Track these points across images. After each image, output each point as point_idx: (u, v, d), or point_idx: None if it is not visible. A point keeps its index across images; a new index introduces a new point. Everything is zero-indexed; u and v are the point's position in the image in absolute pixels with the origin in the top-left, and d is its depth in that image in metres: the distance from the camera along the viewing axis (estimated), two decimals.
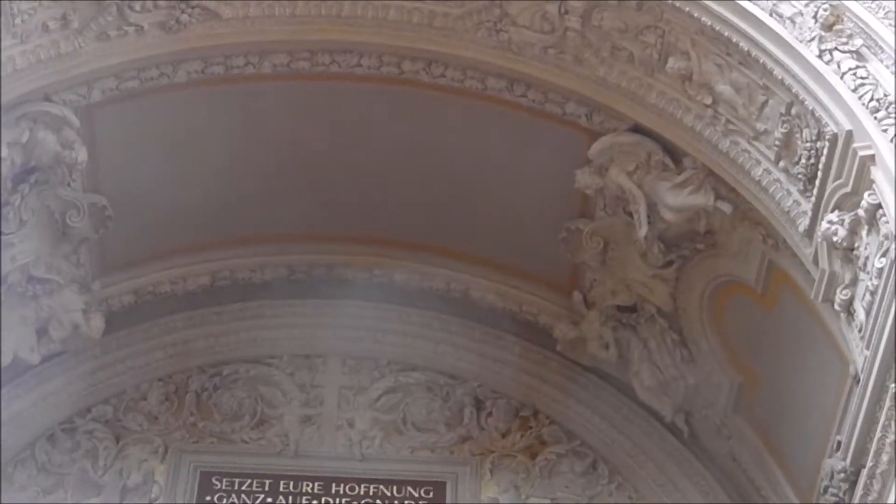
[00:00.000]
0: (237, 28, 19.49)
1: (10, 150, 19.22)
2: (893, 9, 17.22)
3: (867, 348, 15.95)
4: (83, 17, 18.67)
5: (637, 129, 19.24)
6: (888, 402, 15.08)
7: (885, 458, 15.23)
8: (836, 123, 16.38)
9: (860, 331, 16.38)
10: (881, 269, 15.67)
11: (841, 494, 17.13)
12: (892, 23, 17.01)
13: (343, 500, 22.02)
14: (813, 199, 17.05)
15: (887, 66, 16.68)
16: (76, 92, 19.34)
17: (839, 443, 17.17)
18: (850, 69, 16.73)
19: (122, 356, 22.97)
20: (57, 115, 19.37)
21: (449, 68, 19.79)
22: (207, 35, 19.39)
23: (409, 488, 21.95)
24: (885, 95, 16.41)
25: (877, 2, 17.20)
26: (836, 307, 16.95)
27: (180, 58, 19.65)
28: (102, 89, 19.45)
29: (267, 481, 22.33)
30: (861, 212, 16.24)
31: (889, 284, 15.36)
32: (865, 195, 16.14)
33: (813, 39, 16.92)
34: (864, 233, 16.30)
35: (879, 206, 15.91)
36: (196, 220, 21.97)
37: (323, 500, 22.08)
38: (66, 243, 21.05)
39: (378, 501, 21.94)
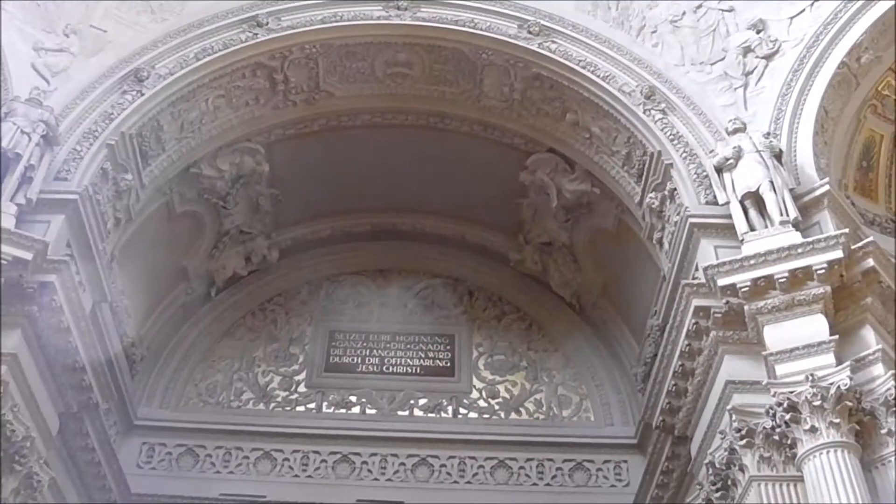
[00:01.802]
0: (344, 100, 19.76)
1: (230, 166, 19.70)
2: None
3: (669, 262, 17.21)
4: (266, 97, 19.28)
5: (551, 150, 19.85)
6: (679, 291, 16.03)
7: (679, 317, 15.93)
8: (653, 147, 17.75)
9: (665, 254, 17.62)
10: (676, 222, 16.96)
11: (655, 339, 17.96)
12: (675, 94, 18.04)
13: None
14: (642, 185, 18.26)
15: (678, 118, 17.84)
16: (262, 136, 19.94)
17: (655, 311, 18.27)
18: (656, 119, 17.85)
19: (284, 271, 22.60)
20: (252, 147, 19.93)
21: (454, 121, 20.15)
22: (328, 104, 19.88)
23: (436, 336, 21.78)
24: (678, 133, 17.45)
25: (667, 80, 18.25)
26: (654, 242, 18.22)
27: (313, 116, 20.08)
28: (275, 134, 20.02)
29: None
30: (666, 192, 17.64)
31: (681, 229, 16.51)
32: (668, 184, 17.52)
33: (640, 104, 17.91)
34: (667, 203, 17.59)
35: (675, 189, 17.23)
36: (328, 198, 21.77)
37: None
38: (257, 213, 21.18)
39: (420, 345, 21.66)
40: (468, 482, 19.47)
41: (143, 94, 17.54)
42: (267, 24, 18.48)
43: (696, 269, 15.80)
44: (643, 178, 17.94)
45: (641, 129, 17.81)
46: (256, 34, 18.43)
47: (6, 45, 16.86)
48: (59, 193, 16.05)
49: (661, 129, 17.62)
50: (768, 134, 16.81)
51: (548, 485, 19.41)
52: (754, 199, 15.86)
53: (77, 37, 17.96)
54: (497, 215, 21.49)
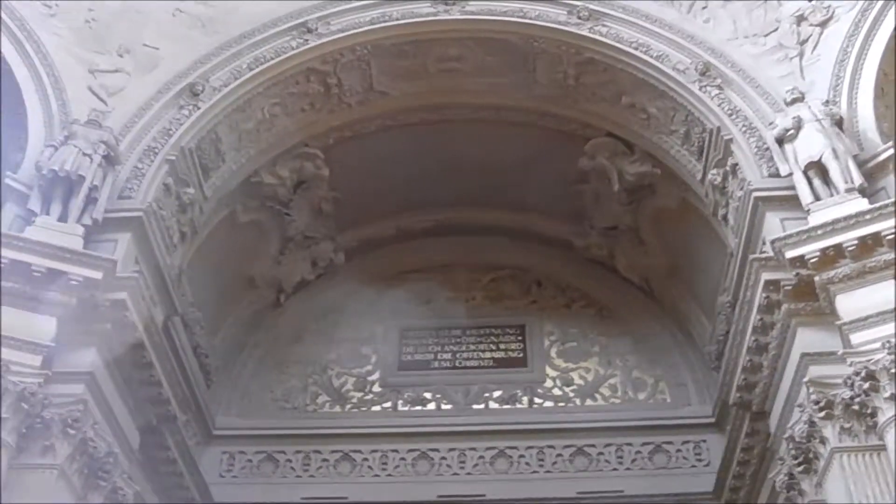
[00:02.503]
0: (398, 99, 19.80)
1: (290, 173, 19.84)
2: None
3: (735, 238, 17.05)
4: (321, 101, 19.41)
5: (609, 134, 19.67)
6: (747, 266, 15.84)
7: (749, 293, 15.70)
8: (712, 123, 17.52)
9: (731, 229, 17.50)
10: (739, 197, 16.79)
11: (727, 316, 17.82)
12: (730, 68, 17.80)
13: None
14: (703, 162, 18.08)
15: (735, 92, 17.61)
16: (320, 140, 20.07)
17: (725, 288, 18.10)
18: (712, 95, 17.63)
19: (351, 273, 22.53)
20: (311, 152, 20.07)
21: (509, 112, 20.11)
22: (382, 104, 19.96)
23: (506, 328, 21.74)
24: (736, 107, 17.30)
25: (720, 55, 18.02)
26: (719, 218, 18.10)
27: (369, 117, 20.13)
28: (332, 137, 20.12)
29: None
30: (727, 168, 17.42)
31: (746, 204, 16.30)
32: (729, 159, 17.30)
33: (695, 81, 17.74)
34: (730, 178, 17.41)
35: (736, 164, 17.04)
36: (389, 197, 21.85)
37: None
38: (320, 217, 21.33)
39: (491, 337, 21.69)
40: (548, 471, 19.50)
41: (199, 108, 17.71)
42: (317, 29, 18.49)
43: (764, 243, 15.62)
44: (704, 155, 17.76)
45: (698, 107, 17.59)
46: (307, 40, 18.45)
47: (62, 70, 17.30)
48: (124, 211, 16.29)
49: (719, 105, 17.42)
50: (827, 102, 16.49)
51: (628, 469, 19.40)
52: (818, 169, 15.60)
53: (131, 56, 18.18)
54: (559, 203, 21.38)
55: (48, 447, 14.09)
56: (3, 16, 17.17)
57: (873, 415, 13.63)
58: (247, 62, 18.28)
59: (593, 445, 19.65)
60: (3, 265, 14.52)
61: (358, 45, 18.73)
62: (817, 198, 15.37)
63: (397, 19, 18.65)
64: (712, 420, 19.48)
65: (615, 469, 19.38)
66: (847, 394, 13.86)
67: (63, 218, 15.59)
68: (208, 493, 18.97)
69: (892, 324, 13.69)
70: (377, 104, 19.78)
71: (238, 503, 19.16)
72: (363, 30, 18.63)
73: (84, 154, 16.07)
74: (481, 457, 19.72)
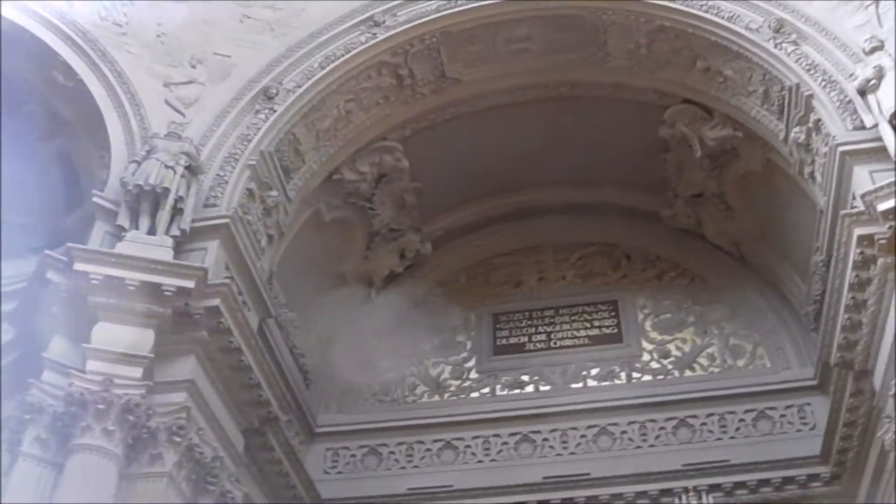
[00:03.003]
0: (471, 84, 19.91)
1: (370, 167, 20.04)
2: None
3: (824, 195, 16.81)
4: (394, 93, 19.58)
5: (686, 100, 19.53)
6: (839, 223, 15.60)
7: (842, 249, 15.49)
8: (790, 80, 17.24)
9: (820, 187, 17.23)
10: (825, 153, 16.53)
11: (822, 276, 17.65)
12: (804, 23, 17.51)
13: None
14: (784, 121, 17.77)
15: (811, 46, 17.30)
16: (397, 132, 20.21)
17: (817, 247, 17.88)
18: (788, 51, 17.35)
19: (439, 262, 22.87)
20: (389, 145, 20.23)
21: (583, 87, 20.09)
22: (456, 90, 20.03)
23: (599, 304, 21.74)
24: (813, 62, 16.99)
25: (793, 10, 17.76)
26: (806, 176, 17.80)
27: (443, 105, 20.27)
28: (409, 128, 20.27)
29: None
30: (810, 124, 17.08)
31: (832, 159, 16.06)
32: (811, 115, 16.99)
33: (770, 38, 17.48)
34: (813, 135, 17.10)
35: (819, 119, 16.75)
36: (471, 183, 21.95)
37: None
38: (404, 208, 21.47)
39: (584, 315, 21.72)
40: (651, 445, 19.40)
41: (275, 111, 17.94)
42: (384, 21, 18.59)
43: (854, 198, 15.33)
44: (784, 113, 17.47)
45: (775, 65, 17.33)
46: (375, 34, 18.54)
47: (138, 86, 17.72)
48: (211, 220, 16.62)
49: (796, 61, 17.13)
50: None
51: (732, 438, 19.22)
52: None
53: (203, 66, 18.54)
54: (641, 174, 21.20)
55: (156, 456, 14.47)
56: (76, 38, 17.68)
57: None
58: (318, 61, 18.41)
59: (695, 416, 19.49)
60: (97, 282, 15.01)
61: (426, 35, 18.78)
62: None
63: (463, 4, 18.62)
64: (815, 382, 19.13)
65: (719, 439, 19.25)
66: None
67: (152, 231, 15.99)
68: (315, 490, 19.25)
69: None
70: (450, 91, 19.82)
71: (345, 498, 19.56)
72: (430, 18, 18.63)
73: (167, 166, 16.44)
74: (583, 435, 19.69)
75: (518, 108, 20.27)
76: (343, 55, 18.46)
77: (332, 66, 18.42)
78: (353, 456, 20.31)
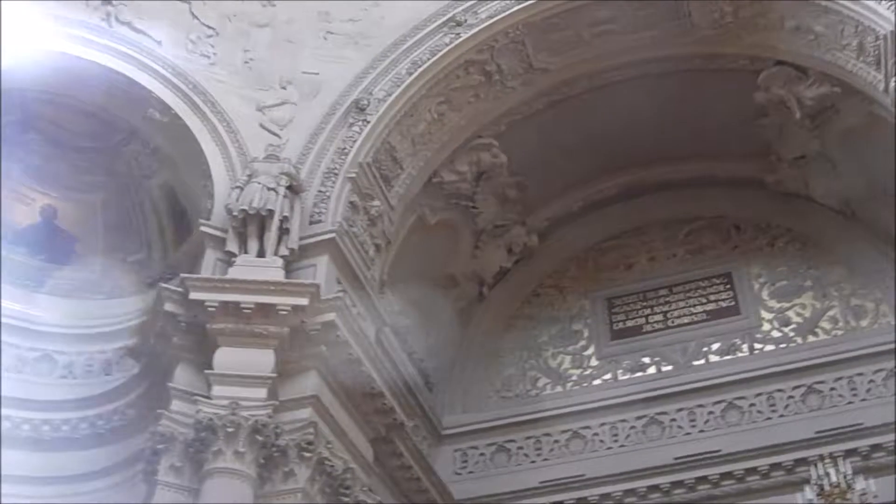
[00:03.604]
0: (559, 72, 19.80)
1: (469, 166, 20.17)
2: None
3: None
4: (484, 90, 19.55)
5: (779, 63, 19.23)
6: None
7: None
8: (884, 28, 16.59)
9: None
10: None
11: None
12: None
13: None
14: (883, 71, 17.11)
15: None
16: (491, 128, 20.22)
17: None
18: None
19: (547, 253, 22.82)
20: (485, 142, 20.25)
21: (672, 62, 19.81)
22: (545, 80, 19.91)
23: (713, 278, 21.54)
24: None
25: None
26: None
27: (534, 96, 20.22)
28: (503, 123, 20.26)
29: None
30: None
31: None
32: None
33: None
34: None
35: None
36: (570, 171, 21.96)
37: None
38: (507, 203, 21.56)
39: (699, 291, 21.53)
40: (781, 416, 19.13)
41: (368, 122, 18.13)
42: (466, 21, 18.59)
43: None
44: (881, 63, 16.80)
45: (866, 14, 16.79)
46: (459, 34, 18.56)
47: (232, 113, 18.18)
48: (317, 236, 16.93)
49: (888, 8, 16.54)
50: None
51: (864, 400, 18.79)
52: None
53: (293, 86, 18.85)
54: (741, 143, 20.94)
55: (288, 473, 14.72)
56: (167, 74, 18.16)
57: None
58: (405, 68, 18.54)
59: (823, 382, 19.16)
60: (213, 308, 15.42)
61: (509, 28, 18.74)
62: None
63: None
64: None
65: (850, 402, 18.87)
66: None
67: (261, 253, 16.36)
68: (447, 492, 19.42)
69: None
70: (540, 82, 19.76)
71: (478, 497, 19.70)
72: (511, 11, 18.55)
73: (268, 189, 16.77)
74: (711, 412, 19.54)
75: (609, 90, 20.12)
76: (429, 59, 18.52)
77: (419, 70, 18.55)
78: (481, 455, 20.48)
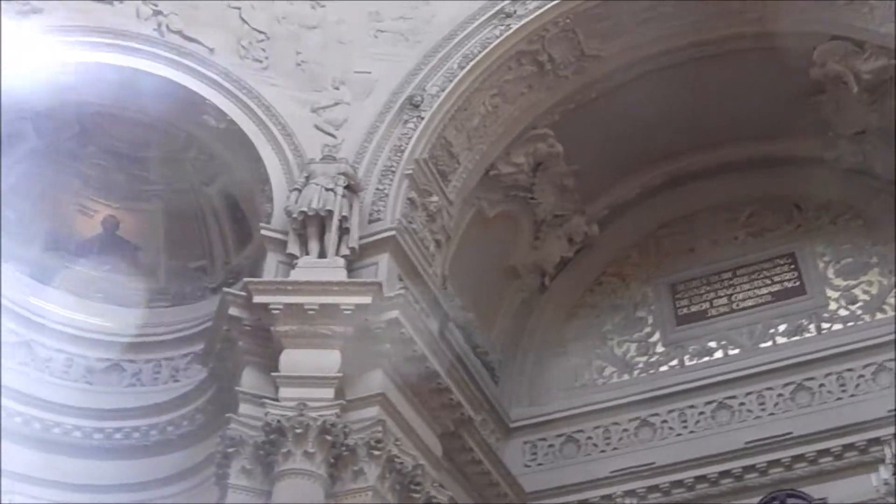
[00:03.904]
0: (611, 59, 19.72)
1: (525, 157, 20.09)
2: None
3: None
4: (537, 81, 19.49)
5: (834, 37, 18.96)
6: None
7: None
8: None
9: None
10: None
11: None
12: None
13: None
14: None
15: None
16: (546, 119, 20.19)
17: None
18: None
19: (608, 241, 22.73)
20: (540, 133, 20.21)
21: (724, 43, 19.66)
22: (597, 67, 19.88)
23: (776, 259, 21.28)
24: None
25: None
26: None
27: (587, 84, 20.12)
28: (557, 113, 20.18)
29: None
30: None
31: None
32: None
33: None
34: None
35: None
36: (627, 158, 21.87)
37: None
38: (565, 193, 21.43)
39: (763, 272, 21.30)
40: (852, 395, 18.76)
41: (423, 118, 18.14)
42: (515, 12, 18.54)
43: None
44: None
45: None
46: (509, 25, 18.52)
47: (287, 116, 18.28)
48: (378, 234, 16.93)
49: None
50: None
51: None
52: None
53: (346, 86, 18.94)
54: (798, 121, 20.59)
55: (358, 471, 14.77)
56: (221, 81, 18.38)
57: None
58: (457, 62, 18.54)
59: (893, 359, 18.78)
60: (277, 311, 15.49)
61: (559, 18, 18.70)
62: None
63: None
64: None
65: None
66: None
67: (322, 254, 16.41)
68: (518, 485, 19.39)
69: None
70: (592, 69, 19.69)
71: (549, 489, 19.65)
72: (558, 1, 18.52)
73: (326, 189, 16.82)
74: (780, 394, 19.28)
75: (662, 74, 19.99)
76: (480, 52, 18.51)
77: (471, 64, 18.54)
78: (550, 446, 20.45)
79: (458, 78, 18.55)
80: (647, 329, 21.72)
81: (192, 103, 18.39)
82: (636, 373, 21.17)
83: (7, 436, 17.01)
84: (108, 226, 20.03)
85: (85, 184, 19.85)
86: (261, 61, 19.02)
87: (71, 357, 18.74)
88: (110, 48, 18.12)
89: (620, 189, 22.36)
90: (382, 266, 16.57)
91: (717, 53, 19.74)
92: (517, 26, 18.73)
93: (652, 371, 21.07)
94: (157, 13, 18.71)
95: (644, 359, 21.32)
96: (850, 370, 19.04)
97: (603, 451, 20.06)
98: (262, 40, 19.31)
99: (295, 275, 16.09)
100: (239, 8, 19.36)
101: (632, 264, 22.49)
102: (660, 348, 21.32)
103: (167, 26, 18.69)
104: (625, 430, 20.17)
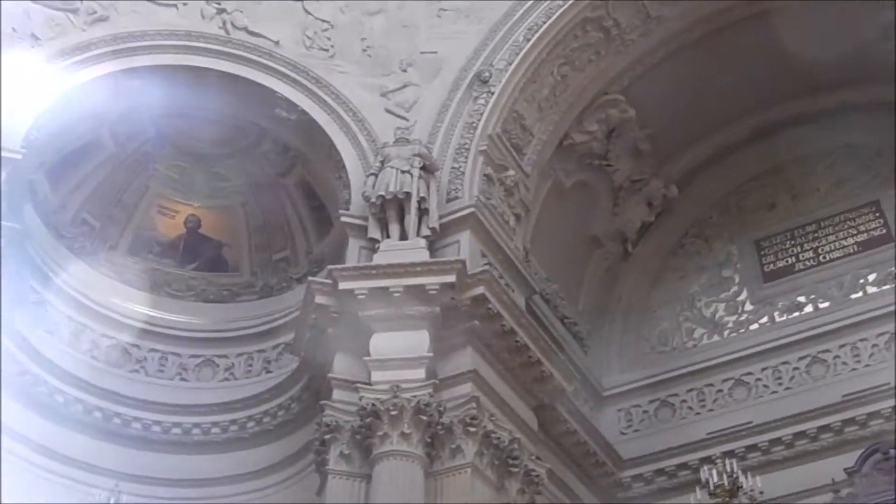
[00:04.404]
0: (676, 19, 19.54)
1: (598, 124, 19.98)
2: None
3: None
4: (604, 47, 19.31)
5: None
6: None
7: None
8: None
9: None
10: None
11: None
12: None
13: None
14: None
15: None
16: (616, 84, 20.08)
17: None
18: None
19: (688, 202, 22.57)
20: (611, 99, 20.08)
21: None
22: (664, 29, 19.67)
23: (860, 209, 20.98)
24: None
25: None
26: None
27: (655, 46, 19.93)
28: (627, 77, 20.09)
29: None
30: None
31: None
32: None
33: None
34: None
35: None
36: (699, 118, 21.61)
37: None
38: (641, 157, 21.37)
39: (847, 223, 21.06)
40: None
41: (492, 94, 18.09)
42: None
43: None
44: None
45: None
46: None
47: (357, 103, 18.44)
48: (457, 212, 17.02)
49: None
50: None
51: None
52: None
53: (413, 67, 19.00)
54: (870, 67, 20.31)
55: (455, 449, 14.91)
56: (289, 73, 18.55)
57: None
58: (522, 34, 18.47)
59: None
60: (363, 296, 15.59)
61: None
62: None
63: None
64: None
65: None
66: None
67: (403, 236, 16.52)
68: (615, 452, 19.46)
69: None
70: (658, 31, 19.54)
71: (646, 455, 19.64)
72: None
73: (402, 172, 16.89)
74: (875, 345, 19.00)
75: (729, 30, 19.83)
76: (545, 22, 18.41)
77: (536, 35, 18.44)
78: (645, 412, 20.44)
79: (524, 50, 18.44)
80: (734, 288, 21.57)
81: (263, 97, 18.57)
82: (726, 333, 21.02)
83: (109, 437, 17.57)
84: (190, 225, 20.34)
85: (164, 185, 20.19)
86: (327, 50, 19.13)
87: (164, 356, 19.12)
88: (177, 50, 18.37)
89: (696, 149, 22.21)
90: (464, 244, 16.62)
91: (785, 6, 19.50)
92: None
93: (742, 330, 20.90)
94: (221, 11, 18.93)
95: (733, 318, 21.16)
96: None
97: (698, 414, 20.02)
98: (326, 29, 19.41)
99: (378, 259, 16.17)
100: (302, 1, 19.46)
101: (714, 224, 22.33)
102: (748, 306, 21.14)
103: (232, 24, 18.91)
104: (719, 390, 20.07)
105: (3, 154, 15.75)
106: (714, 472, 16.33)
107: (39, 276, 18.16)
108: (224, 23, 18.90)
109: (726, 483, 16.13)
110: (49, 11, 17.57)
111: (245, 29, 18.95)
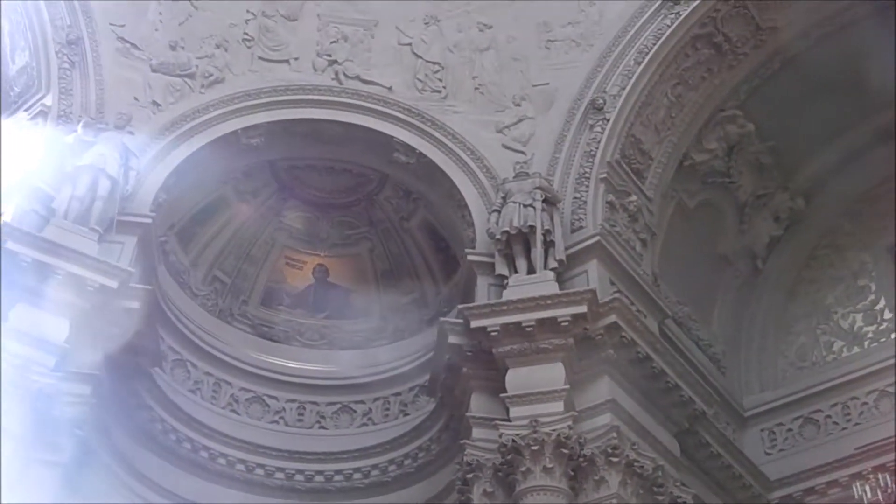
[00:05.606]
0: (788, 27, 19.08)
1: (717, 142, 19.73)
2: None
3: None
4: (716, 63, 19.08)
5: None
6: None
7: None
8: None
9: None
10: None
11: None
12: None
13: None
14: None
15: None
16: (732, 100, 19.70)
17: None
18: None
19: (816, 213, 21.93)
20: (728, 115, 19.71)
21: None
22: (775, 39, 19.23)
23: None
24: None
25: None
26: None
27: (768, 56, 19.53)
28: (742, 91, 19.67)
29: None
30: None
31: None
32: None
33: None
34: None
35: None
36: (820, 124, 20.87)
37: None
38: (764, 171, 20.90)
39: None
40: None
41: (608, 120, 18.13)
42: None
43: None
44: None
45: None
46: (678, 12, 18.36)
47: (474, 141, 18.65)
48: (582, 242, 17.09)
49: None
50: None
51: None
52: None
53: (527, 101, 19.11)
54: None
55: (599, 481, 14.89)
56: (404, 117, 18.93)
57: None
58: (633, 58, 18.51)
59: None
60: (496, 333, 15.71)
61: None
62: None
63: None
64: None
65: None
66: None
67: (531, 270, 16.63)
68: (761, 474, 19.04)
69: None
70: (771, 42, 19.18)
71: (794, 475, 19.19)
72: None
73: (525, 206, 17.02)
74: None
75: (844, 32, 19.25)
76: (654, 44, 18.40)
77: (647, 58, 18.42)
78: (789, 430, 19.98)
79: (636, 74, 18.46)
80: (872, 297, 20.91)
81: (381, 143, 18.95)
82: (867, 343, 20.42)
83: (253, 488, 18.12)
84: (318, 274, 20.79)
85: (290, 237, 20.69)
86: (439, 91, 19.41)
87: (302, 405, 19.56)
88: (293, 104, 18.93)
89: (821, 157, 21.44)
90: (592, 273, 16.67)
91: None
92: (687, 12, 18.50)
93: (883, 339, 20.26)
94: (333, 63, 19.42)
95: (873, 328, 20.57)
96: None
97: (844, 429, 19.44)
98: (437, 71, 19.70)
99: (507, 294, 16.28)
100: (410, 44, 19.76)
101: (845, 233, 21.67)
102: (888, 314, 20.52)
103: (344, 73, 19.39)
104: (864, 403, 19.49)
105: (133, 219, 16.33)
106: (867, 487, 15.90)
107: (177, 335, 18.72)
108: (336, 73, 19.37)
109: (881, 498, 15.68)
110: (167, 78, 18.39)
111: (357, 77, 19.38)
